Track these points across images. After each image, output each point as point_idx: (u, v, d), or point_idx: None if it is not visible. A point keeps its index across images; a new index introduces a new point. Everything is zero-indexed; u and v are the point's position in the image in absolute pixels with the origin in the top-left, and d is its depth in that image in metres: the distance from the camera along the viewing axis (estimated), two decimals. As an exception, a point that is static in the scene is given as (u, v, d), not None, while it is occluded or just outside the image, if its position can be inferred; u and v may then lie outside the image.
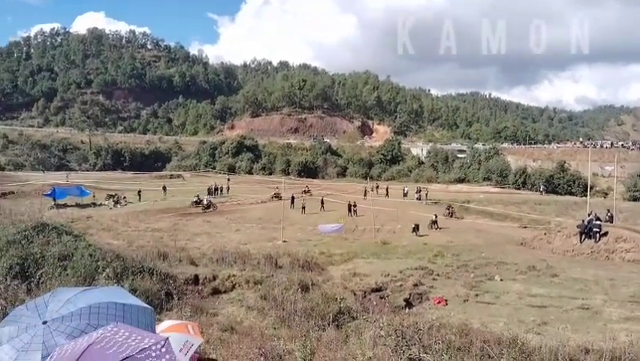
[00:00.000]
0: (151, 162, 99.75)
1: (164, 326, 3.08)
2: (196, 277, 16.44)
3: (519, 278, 19.31)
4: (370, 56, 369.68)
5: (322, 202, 42.75)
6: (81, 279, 10.72)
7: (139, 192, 48.68)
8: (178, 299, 12.41)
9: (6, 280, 9.50)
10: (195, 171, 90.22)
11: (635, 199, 50.64)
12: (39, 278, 10.43)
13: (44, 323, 2.21)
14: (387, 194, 53.24)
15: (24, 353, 2.10)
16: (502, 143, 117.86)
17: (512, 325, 13.00)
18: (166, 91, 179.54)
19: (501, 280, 19.01)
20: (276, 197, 44.75)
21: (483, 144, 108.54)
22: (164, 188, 51.94)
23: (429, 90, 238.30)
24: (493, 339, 9.55)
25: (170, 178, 75.72)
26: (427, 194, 52.11)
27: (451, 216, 38.83)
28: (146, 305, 2.52)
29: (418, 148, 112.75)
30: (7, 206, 18.35)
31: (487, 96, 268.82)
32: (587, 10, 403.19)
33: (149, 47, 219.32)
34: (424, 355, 6.78)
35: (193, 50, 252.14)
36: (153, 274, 13.27)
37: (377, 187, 49.87)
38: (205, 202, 42.62)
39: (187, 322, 3.26)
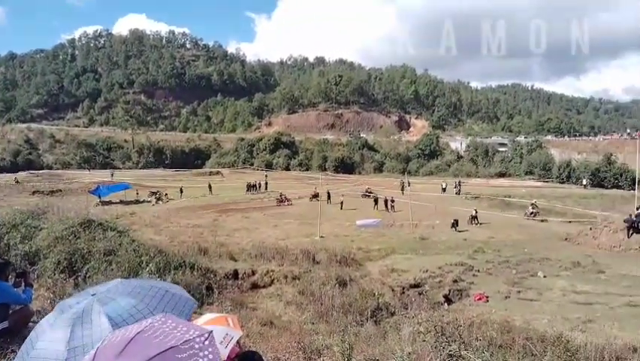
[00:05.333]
0: (191, 159, 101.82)
1: (205, 318, 3.14)
2: (235, 272, 16.73)
3: (563, 275, 18.85)
4: (409, 49, 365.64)
5: (376, 201, 40.96)
6: (125, 273, 11.07)
7: (181, 189, 49.86)
8: (219, 293, 12.67)
9: (54, 274, 9.92)
10: (234, 168, 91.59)
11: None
12: (86, 273, 10.82)
13: (93, 295, 2.38)
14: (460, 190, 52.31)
15: (84, 317, 2.26)
16: (545, 135, 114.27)
17: (556, 322, 12.70)
18: (205, 89, 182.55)
19: (544, 276, 18.62)
20: (314, 197, 44.58)
21: (525, 137, 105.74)
22: (210, 187, 52.89)
23: (468, 83, 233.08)
24: (537, 337, 9.38)
25: (210, 175, 77.21)
26: (459, 186, 51.51)
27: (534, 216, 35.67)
28: (189, 296, 2.63)
29: (457, 142, 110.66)
30: (55, 203, 19.11)
31: (530, 88, 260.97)
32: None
33: (188, 46, 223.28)
34: (465, 352, 6.68)
35: (231, 49, 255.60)
36: (194, 269, 13.57)
37: (409, 184, 48.09)
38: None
39: (227, 315, 3.31)
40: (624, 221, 24.57)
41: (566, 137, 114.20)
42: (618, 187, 57.91)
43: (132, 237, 15.14)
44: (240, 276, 16.62)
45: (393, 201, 39.71)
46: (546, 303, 15.49)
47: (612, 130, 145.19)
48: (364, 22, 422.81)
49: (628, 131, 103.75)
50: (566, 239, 27.00)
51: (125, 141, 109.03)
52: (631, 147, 60.78)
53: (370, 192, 47.53)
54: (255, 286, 16.28)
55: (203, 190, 51.84)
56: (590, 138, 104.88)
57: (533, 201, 38.01)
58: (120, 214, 32.41)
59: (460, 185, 52.48)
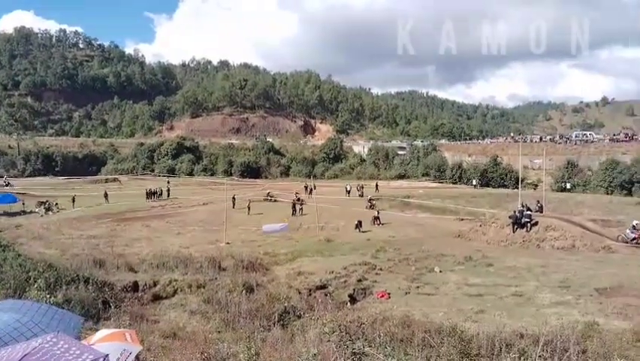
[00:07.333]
0: (85, 166, 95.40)
1: (100, 335, 2.97)
2: (135, 283, 16.00)
3: (457, 269, 20.07)
4: (312, 54, 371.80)
5: (294, 207, 40.16)
6: (11, 291, 10.23)
7: (73, 198, 46.55)
8: (115, 307, 12.04)
9: None
10: (133, 175, 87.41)
11: (562, 190, 53.64)
12: (-37, 293, 9.81)
13: None
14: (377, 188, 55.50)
15: None
16: (439, 139, 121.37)
17: (452, 314, 13.50)
18: (100, 92, 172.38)
19: (440, 271, 19.70)
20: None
21: (422, 141, 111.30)
22: (106, 195, 49.93)
23: (369, 89, 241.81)
24: (434, 329, 9.92)
25: (106, 182, 73.07)
26: (362, 187, 53.80)
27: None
28: (74, 314, 2.50)
29: (359, 146, 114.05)
30: None
31: (425, 94, 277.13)
32: (525, 8, 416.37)
33: (81, 46, 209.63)
34: (368, 348, 6.92)
35: (128, 50, 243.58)
36: (89, 283, 12.83)
37: (314, 188, 48.83)
38: None
39: (124, 330, 3.17)
40: (509, 217, 26.79)
41: (457, 140, 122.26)
42: (504, 186, 62.64)
43: (18, 251, 14.04)
44: (140, 288, 15.90)
45: (302, 203, 40.22)
46: (442, 296, 16.42)
47: (498, 134, 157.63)
48: (268, 26, 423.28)
49: (512, 134, 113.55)
50: (459, 236, 28.77)
51: (10, 147, 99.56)
52: (514, 150, 66.48)
53: (271, 196, 48.84)
54: (156, 298, 15.65)
55: (99, 199, 48.90)
56: (479, 141, 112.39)
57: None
58: (4, 227, 30.09)
59: (363, 187, 54.38)
